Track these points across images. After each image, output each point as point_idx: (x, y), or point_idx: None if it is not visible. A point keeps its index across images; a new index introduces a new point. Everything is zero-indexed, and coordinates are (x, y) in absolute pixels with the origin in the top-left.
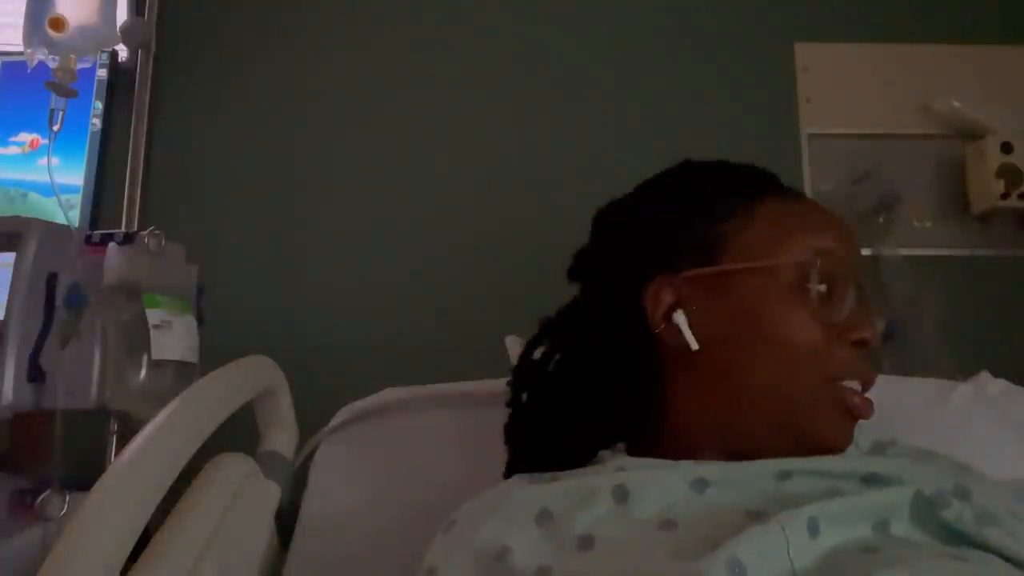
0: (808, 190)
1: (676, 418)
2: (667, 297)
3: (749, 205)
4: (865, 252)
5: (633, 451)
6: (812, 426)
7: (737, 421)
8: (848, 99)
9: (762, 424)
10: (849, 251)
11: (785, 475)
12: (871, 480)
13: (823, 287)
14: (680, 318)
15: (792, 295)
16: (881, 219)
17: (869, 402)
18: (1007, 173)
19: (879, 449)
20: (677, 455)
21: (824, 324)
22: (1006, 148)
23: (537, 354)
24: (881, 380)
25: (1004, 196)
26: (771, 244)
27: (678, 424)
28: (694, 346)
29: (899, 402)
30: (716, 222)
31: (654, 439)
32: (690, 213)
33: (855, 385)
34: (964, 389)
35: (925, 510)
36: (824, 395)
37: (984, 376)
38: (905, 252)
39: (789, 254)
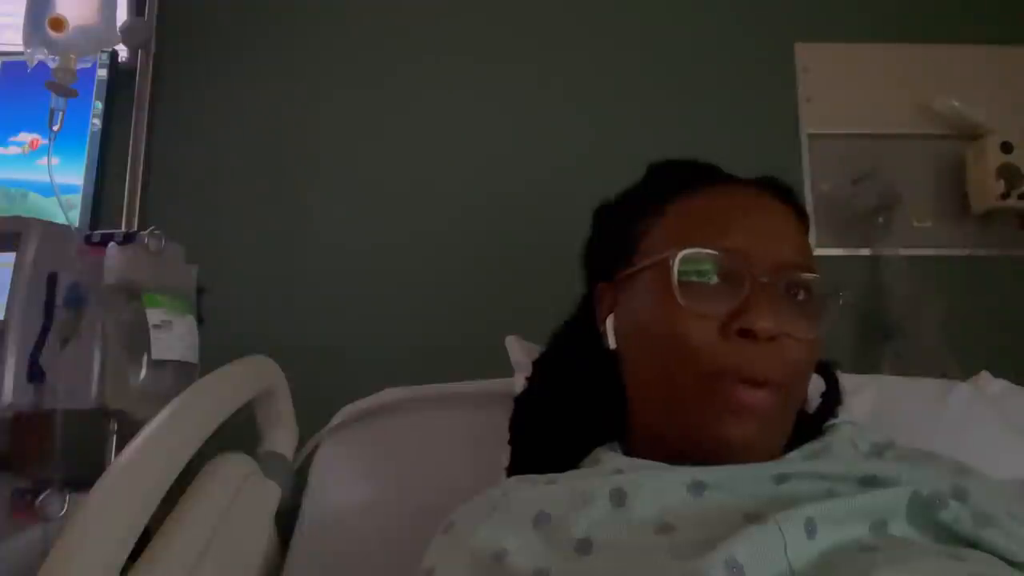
0: (808, 190)
1: (631, 418)
2: (607, 301)
3: (664, 204)
4: (864, 252)
5: (627, 450)
6: (701, 421)
7: (651, 419)
8: (848, 99)
9: (665, 422)
10: (754, 246)
11: (782, 477)
12: (868, 482)
13: (696, 280)
14: (609, 321)
15: (665, 291)
16: (881, 219)
17: (762, 394)
18: (1007, 173)
19: (878, 451)
20: (658, 455)
21: (701, 317)
22: (1006, 148)
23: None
24: (881, 380)
25: (1004, 196)
26: (667, 242)
27: (632, 424)
28: (612, 346)
29: (899, 402)
30: (636, 223)
31: (633, 438)
32: (622, 217)
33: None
34: (964, 389)
35: (922, 511)
36: (707, 389)
37: (984, 376)
38: (905, 252)
39: (671, 251)
